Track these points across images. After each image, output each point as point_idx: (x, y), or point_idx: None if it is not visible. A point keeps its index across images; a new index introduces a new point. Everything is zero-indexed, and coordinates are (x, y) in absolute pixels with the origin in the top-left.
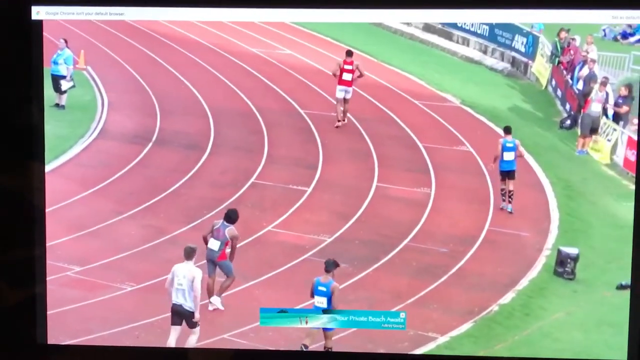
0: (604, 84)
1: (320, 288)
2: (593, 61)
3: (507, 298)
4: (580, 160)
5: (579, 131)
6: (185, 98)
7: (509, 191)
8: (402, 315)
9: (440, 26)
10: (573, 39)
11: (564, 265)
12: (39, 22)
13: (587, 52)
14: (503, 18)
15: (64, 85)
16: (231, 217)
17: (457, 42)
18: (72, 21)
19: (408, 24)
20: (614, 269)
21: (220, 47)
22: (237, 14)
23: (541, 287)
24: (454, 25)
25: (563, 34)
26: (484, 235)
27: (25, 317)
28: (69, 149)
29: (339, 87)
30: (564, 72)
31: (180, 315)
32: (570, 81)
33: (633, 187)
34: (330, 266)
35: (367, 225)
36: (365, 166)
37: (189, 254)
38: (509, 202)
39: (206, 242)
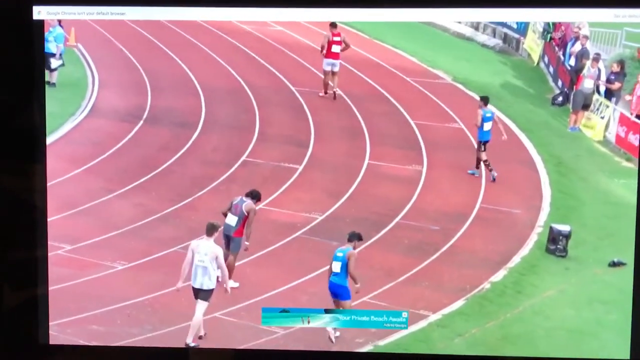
0: (596, 60)
1: (337, 254)
2: (585, 37)
3: (498, 275)
4: (573, 137)
5: (571, 108)
6: (176, 76)
7: (486, 160)
8: (405, 314)
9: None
10: None
11: (555, 243)
12: (41, 22)
13: (579, 28)
14: (504, 16)
15: (53, 63)
16: (252, 194)
17: None
18: None
19: None
20: (606, 246)
21: (211, 24)
22: (241, 14)
23: (533, 264)
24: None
25: None
26: (476, 213)
27: (27, 317)
28: (59, 127)
29: (328, 60)
30: (556, 48)
31: (196, 291)
32: (562, 57)
33: (625, 163)
34: (353, 237)
35: (358, 203)
36: (357, 144)
37: (210, 230)
38: (491, 169)
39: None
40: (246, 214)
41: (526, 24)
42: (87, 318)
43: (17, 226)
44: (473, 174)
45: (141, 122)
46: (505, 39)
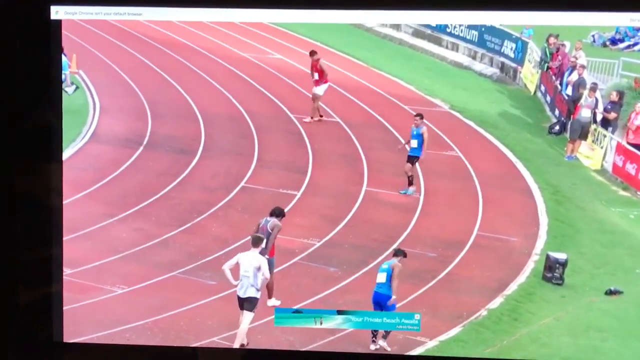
0: (593, 89)
1: (383, 266)
2: (582, 67)
3: (495, 303)
4: (569, 166)
5: (568, 136)
6: (176, 102)
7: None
8: (417, 316)
9: (429, 31)
10: (563, 45)
11: (552, 271)
12: (58, 22)
13: (576, 58)
14: (519, 20)
15: (69, 90)
16: (275, 212)
17: (447, 47)
18: (64, 25)
19: (397, 29)
20: (603, 275)
21: (211, 51)
22: (251, 14)
23: (530, 292)
24: (444, 31)
25: (552, 40)
26: (473, 240)
27: (41, 315)
28: None
29: (326, 85)
30: (553, 77)
31: (244, 301)
32: (559, 87)
33: (622, 192)
34: (399, 253)
35: (356, 229)
36: (355, 170)
37: (256, 242)
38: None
39: None
40: (271, 231)
41: (524, 54)
42: (86, 341)
43: (31, 225)
44: (406, 193)
45: (141, 147)
46: (503, 68)
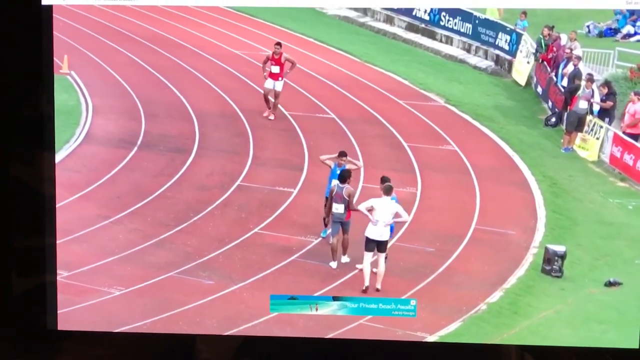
0: (590, 80)
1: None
2: (578, 58)
3: (495, 296)
4: (566, 158)
5: (564, 128)
6: (169, 101)
7: None
8: (413, 302)
9: (423, 25)
10: (558, 37)
11: (551, 263)
12: (49, 8)
13: (571, 49)
14: (517, 3)
15: None
16: (344, 176)
17: (441, 40)
18: (56, 26)
19: (391, 23)
20: (602, 266)
21: (203, 49)
22: None
23: (529, 285)
24: (437, 24)
25: (546, 31)
26: (471, 234)
27: (35, 305)
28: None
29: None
30: (548, 69)
31: (374, 243)
32: (554, 78)
33: (620, 183)
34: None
35: (353, 226)
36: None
37: (388, 190)
38: None
39: (327, 214)
40: (347, 198)
41: (518, 46)
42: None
43: (26, 215)
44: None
45: (135, 148)
46: (497, 60)
